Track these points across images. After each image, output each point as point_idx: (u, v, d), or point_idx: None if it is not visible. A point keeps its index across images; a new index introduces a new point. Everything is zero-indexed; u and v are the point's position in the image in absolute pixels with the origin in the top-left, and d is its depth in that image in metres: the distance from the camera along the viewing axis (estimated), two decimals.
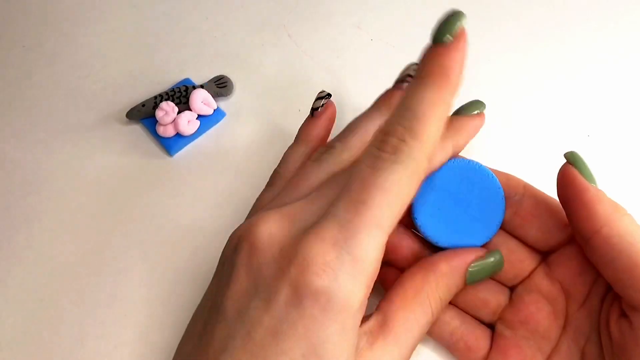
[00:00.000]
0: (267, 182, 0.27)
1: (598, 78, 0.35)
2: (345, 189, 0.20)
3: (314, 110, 0.29)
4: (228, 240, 0.23)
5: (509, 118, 0.34)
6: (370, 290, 0.20)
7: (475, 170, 0.25)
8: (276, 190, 0.26)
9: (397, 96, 0.27)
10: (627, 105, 0.34)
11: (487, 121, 0.34)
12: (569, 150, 0.24)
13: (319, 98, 0.29)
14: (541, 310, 0.24)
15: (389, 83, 0.35)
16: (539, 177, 0.32)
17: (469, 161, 0.26)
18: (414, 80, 0.21)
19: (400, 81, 0.28)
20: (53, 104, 0.35)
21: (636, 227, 0.21)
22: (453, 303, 0.25)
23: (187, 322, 0.23)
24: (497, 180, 0.25)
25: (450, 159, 0.25)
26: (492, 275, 0.24)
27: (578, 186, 0.23)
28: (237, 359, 0.19)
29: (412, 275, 0.23)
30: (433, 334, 0.25)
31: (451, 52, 0.22)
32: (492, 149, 0.33)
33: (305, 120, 0.29)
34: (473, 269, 0.23)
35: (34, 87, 0.35)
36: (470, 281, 0.23)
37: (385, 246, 0.20)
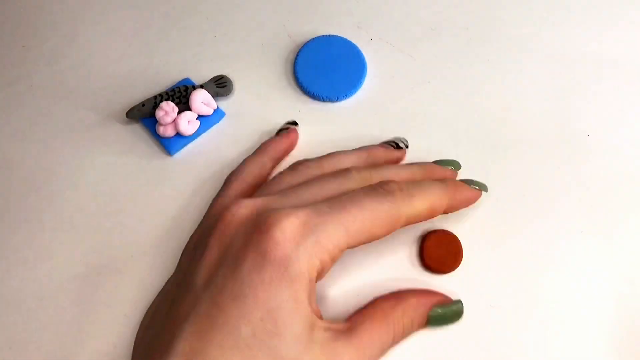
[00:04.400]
0: (222, 187, 0.30)
1: (598, 78, 0.35)
2: (336, 197, 0.24)
3: (279, 131, 0.32)
4: (199, 227, 0.27)
5: (509, 118, 0.34)
6: (321, 276, 0.23)
7: (343, 43, 0.35)
8: (232, 192, 0.29)
9: (380, 152, 0.30)
10: (627, 105, 0.34)
11: (487, 122, 0.34)
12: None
13: (287, 123, 0.33)
14: None
15: (389, 82, 0.35)
16: (539, 177, 0.32)
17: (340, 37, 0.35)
18: (434, 175, 0.28)
19: (387, 143, 0.32)
20: (53, 104, 0.35)
21: None
22: None
23: None
24: (360, 50, 0.35)
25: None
26: (451, 324, 0.27)
27: None
28: (199, 325, 0.21)
29: (384, 301, 0.26)
30: None
31: (474, 195, 0.28)
32: (492, 148, 0.33)
33: (269, 139, 0.32)
34: (434, 314, 0.26)
35: (34, 86, 0.35)
36: (431, 324, 0.26)
37: (341, 252, 0.23)
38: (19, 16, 0.38)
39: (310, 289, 0.22)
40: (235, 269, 0.21)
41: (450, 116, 0.34)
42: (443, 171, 0.29)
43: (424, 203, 0.25)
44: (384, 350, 0.24)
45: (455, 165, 0.30)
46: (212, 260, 0.23)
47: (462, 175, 0.31)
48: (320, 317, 0.23)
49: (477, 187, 0.29)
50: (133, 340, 0.28)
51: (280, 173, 0.28)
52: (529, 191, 0.31)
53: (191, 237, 0.28)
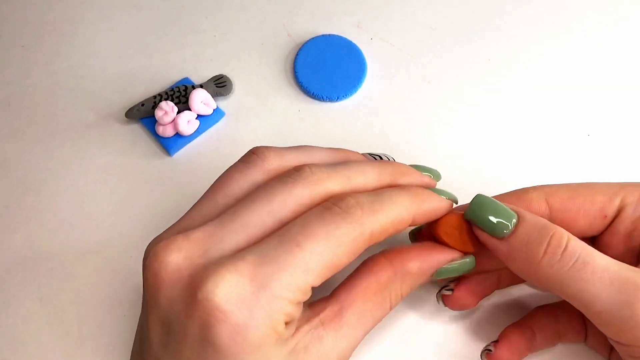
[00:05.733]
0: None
1: (598, 78, 0.35)
2: (285, 228, 0.20)
3: None
4: (143, 259, 0.21)
5: (509, 118, 0.34)
6: (292, 321, 0.20)
7: (342, 42, 0.35)
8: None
9: (358, 156, 0.26)
10: (628, 104, 0.34)
11: (487, 121, 0.34)
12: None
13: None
14: None
15: (389, 82, 0.35)
16: (540, 177, 0.32)
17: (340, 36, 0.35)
18: (407, 178, 0.24)
19: (371, 154, 0.27)
20: (52, 104, 0.35)
21: None
22: None
23: None
24: (360, 50, 0.35)
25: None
26: (462, 274, 0.24)
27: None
28: None
29: (378, 270, 0.22)
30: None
31: (443, 204, 0.23)
32: (492, 149, 0.33)
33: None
34: (443, 269, 0.23)
35: (33, 86, 0.35)
36: (437, 278, 0.23)
37: (310, 292, 0.20)
38: (18, 16, 0.38)
39: (280, 338, 0.20)
40: (185, 337, 0.19)
41: (450, 116, 0.34)
42: (420, 177, 0.25)
43: (388, 217, 0.21)
44: (377, 322, 0.22)
45: (435, 174, 0.26)
46: (156, 321, 0.20)
47: (462, 175, 0.31)
48: (302, 311, 0.21)
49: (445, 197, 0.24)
50: (132, 340, 0.28)
51: (231, 169, 0.23)
52: None
53: (143, 258, 0.23)
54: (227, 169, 0.23)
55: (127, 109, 0.33)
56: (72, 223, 0.31)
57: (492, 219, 0.22)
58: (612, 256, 0.24)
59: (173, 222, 0.31)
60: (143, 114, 0.33)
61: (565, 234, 0.21)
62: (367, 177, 0.23)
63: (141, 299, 0.29)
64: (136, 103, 0.34)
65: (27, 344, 0.28)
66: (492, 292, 0.27)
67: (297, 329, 0.20)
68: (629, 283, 0.20)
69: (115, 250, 0.30)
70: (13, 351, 0.28)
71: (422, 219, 0.23)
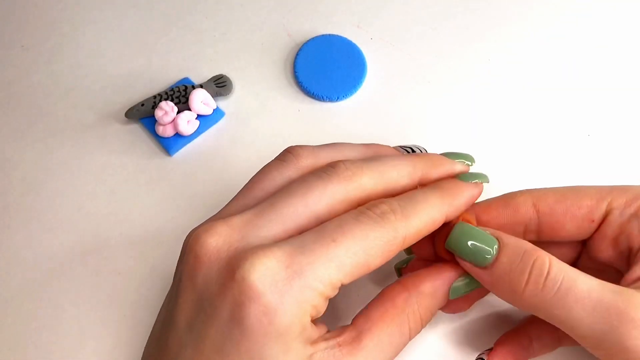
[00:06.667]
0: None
1: (598, 78, 0.35)
2: (322, 225, 0.21)
3: None
4: (182, 245, 0.22)
5: (509, 118, 0.34)
6: (317, 317, 0.20)
7: (342, 42, 0.35)
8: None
9: (389, 150, 0.27)
10: (628, 104, 0.34)
11: (487, 122, 0.34)
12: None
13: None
14: None
15: (389, 82, 0.35)
16: (540, 176, 0.32)
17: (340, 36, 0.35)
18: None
19: (402, 147, 0.28)
20: (52, 104, 0.35)
21: None
22: None
23: None
24: (360, 50, 0.35)
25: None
26: (478, 288, 0.24)
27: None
28: None
29: (393, 294, 0.22)
30: None
31: (474, 192, 0.24)
32: (492, 149, 0.33)
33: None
34: (457, 284, 0.23)
35: (33, 86, 0.35)
36: (454, 296, 0.23)
37: (337, 290, 0.20)
38: (18, 16, 0.38)
39: (309, 333, 0.20)
40: (214, 318, 0.19)
41: (450, 116, 0.34)
42: (452, 166, 0.25)
43: (421, 220, 0.22)
44: (398, 352, 0.22)
45: (468, 159, 0.26)
46: (188, 300, 0.20)
47: None
48: (324, 331, 0.21)
49: (477, 181, 0.25)
50: (133, 340, 0.28)
51: (268, 166, 0.24)
52: None
53: (183, 244, 0.24)
54: (263, 166, 0.24)
55: (127, 109, 0.33)
56: (72, 223, 0.31)
57: (473, 247, 0.22)
58: (602, 260, 0.24)
59: (173, 222, 0.31)
60: (143, 114, 0.33)
61: (547, 259, 0.21)
62: (399, 171, 0.23)
63: (141, 299, 0.29)
64: (136, 103, 0.34)
65: (27, 344, 0.28)
66: (485, 294, 0.26)
67: (315, 342, 0.20)
68: (612, 308, 0.20)
69: (115, 250, 0.30)
70: (13, 351, 0.28)
71: (454, 214, 0.23)
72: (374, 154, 0.25)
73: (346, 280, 0.20)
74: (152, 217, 0.31)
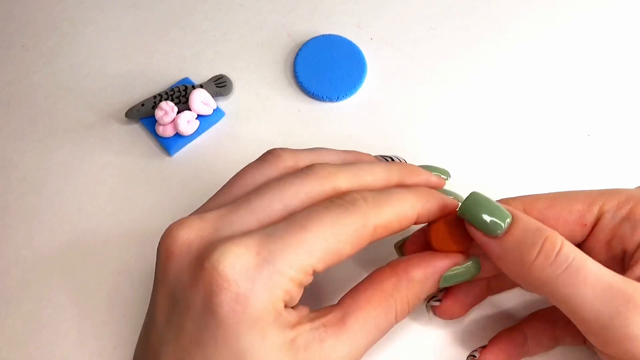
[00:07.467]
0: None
1: (598, 78, 0.35)
2: (292, 216, 0.21)
3: None
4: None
5: (509, 118, 0.34)
6: (292, 303, 0.21)
7: (342, 42, 0.35)
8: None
9: (369, 157, 0.27)
10: (628, 104, 0.34)
11: (487, 121, 0.34)
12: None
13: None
14: None
15: (389, 82, 0.35)
16: (540, 176, 0.32)
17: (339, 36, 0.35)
18: (416, 178, 0.24)
19: (382, 156, 0.29)
20: (52, 104, 0.35)
21: None
22: None
23: None
24: (360, 50, 0.35)
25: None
26: (469, 280, 0.24)
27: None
28: None
29: (383, 278, 0.22)
30: None
31: (447, 201, 0.24)
32: (492, 149, 0.33)
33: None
34: (448, 274, 0.23)
35: (33, 86, 0.35)
36: (444, 285, 0.23)
37: (310, 276, 0.20)
38: (18, 16, 0.38)
39: (278, 317, 0.20)
40: (189, 309, 0.19)
41: (450, 116, 0.34)
42: (428, 177, 0.25)
43: (393, 211, 0.22)
44: (382, 334, 0.22)
45: (444, 173, 0.27)
46: (164, 296, 0.21)
47: (462, 174, 0.31)
48: (306, 312, 0.21)
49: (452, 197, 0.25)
50: (133, 340, 0.28)
51: (248, 166, 0.24)
52: (529, 191, 0.31)
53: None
54: (244, 166, 0.24)
55: (127, 109, 0.33)
56: (72, 223, 0.31)
57: (486, 217, 0.22)
58: None
59: (173, 222, 0.31)
60: (143, 114, 0.33)
61: (560, 238, 0.21)
62: (375, 175, 0.23)
63: (141, 299, 0.29)
64: (136, 103, 0.34)
65: (27, 344, 0.28)
66: (482, 300, 0.26)
67: (299, 324, 0.20)
68: (621, 293, 0.19)
69: (115, 250, 0.30)
70: (13, 351, 0.28)
71: (426, 217, 0.23)
72: (353, 160, 0.25)
73: (318, 266, 0.20)
74: (152, 217, 0.31)
